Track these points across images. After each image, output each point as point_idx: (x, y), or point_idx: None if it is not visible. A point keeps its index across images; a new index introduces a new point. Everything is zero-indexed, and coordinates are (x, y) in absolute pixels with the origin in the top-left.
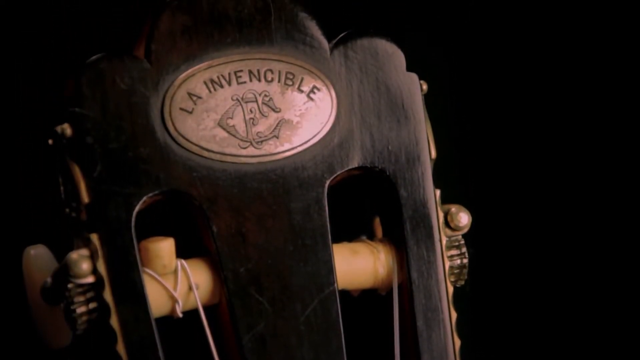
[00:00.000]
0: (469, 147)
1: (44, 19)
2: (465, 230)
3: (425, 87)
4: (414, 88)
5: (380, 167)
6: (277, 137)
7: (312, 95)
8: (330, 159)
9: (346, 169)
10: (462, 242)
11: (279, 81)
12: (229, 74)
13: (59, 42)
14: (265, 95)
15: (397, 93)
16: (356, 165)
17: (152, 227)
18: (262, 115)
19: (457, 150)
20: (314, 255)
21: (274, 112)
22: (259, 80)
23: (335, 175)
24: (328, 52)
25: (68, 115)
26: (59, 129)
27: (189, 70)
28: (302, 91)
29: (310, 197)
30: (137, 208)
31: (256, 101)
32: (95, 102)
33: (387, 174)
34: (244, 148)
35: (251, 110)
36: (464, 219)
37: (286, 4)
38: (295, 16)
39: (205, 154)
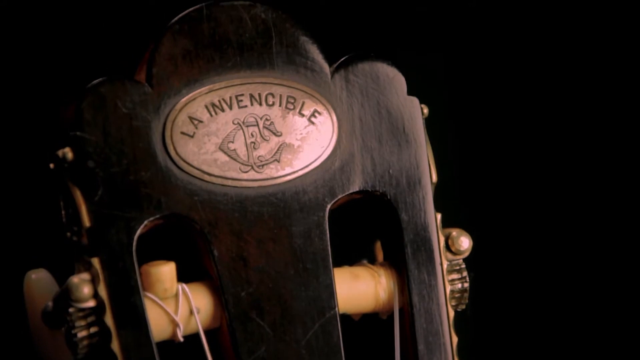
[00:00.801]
0: (470, 169)
1: (46, 42)
2: (466, 254)
3: (426, 110)
4: (415, 112)
5: (381, 191)
6: (278, 161)
7: (313, 119)
8: (331, 182)
9: (347, 192)
10: (463, 266)
11: (280, 105)
12: (230, 97)
13: (60, 65)
14: (267, 119)
15: (398, 117)
16: (357, 189)
17: (154, 250)
18: (263, 139)
19: (459, 173)
20: (315, 279)
21: (275, 136)
22: (260, 104)
23: (336, 199)
24: (329, 76)
25: (69, 139)
26: (60, 152)
27: (190, 94)
28: (303, 115)
29: (311, 221)
30: (138, 232)
31: (257, 125)
32: (96, 126)
33: (388, 197)
34: (245, 172)
35: (252, 134)
36: (465, 243)
37: (287, 28)
38: (296, 40)
39: (207, 177)
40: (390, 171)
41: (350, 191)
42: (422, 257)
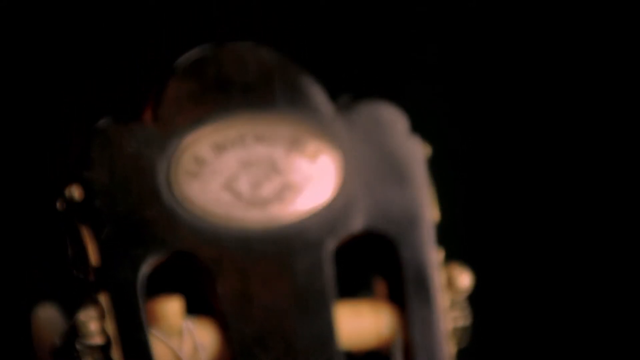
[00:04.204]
0: (474, 206)
1: (52, 83)
2: (468, 292)
3: (428, 150)
4: (417, 151)
5: (383, 230)
6: (282, 200)
7: (316, 159)
8: (333, 222)
9: (349, 232)
10: (465, 303)
11: (283, 145)
12: (234, 137)
13: (68, 106)
14: (270, 159)
15: (400, 157)
16: (359, 229)
17: (160, 284)
18: (267, 178)
19: (462, 209)
20: (317, 317)
21: (279, 176)
22: (264, 144)
23: (338, 238)
24: (332, 117)
25: (77, 178)
26: (67, 192)
27: (195, 134)
28: (306, 155)
29: (314, 260)
30: (143, 270)
31: (261, 165)
32: (102, 166)
33: (390, 236)
34: (249, 211)
35: (256, 174)
36: (466, 280)
37: (290, 69)
38: (299, 81)
39: (211, 216)
40: (392, 210)
41: (352, 231)
42: (423, 294)
